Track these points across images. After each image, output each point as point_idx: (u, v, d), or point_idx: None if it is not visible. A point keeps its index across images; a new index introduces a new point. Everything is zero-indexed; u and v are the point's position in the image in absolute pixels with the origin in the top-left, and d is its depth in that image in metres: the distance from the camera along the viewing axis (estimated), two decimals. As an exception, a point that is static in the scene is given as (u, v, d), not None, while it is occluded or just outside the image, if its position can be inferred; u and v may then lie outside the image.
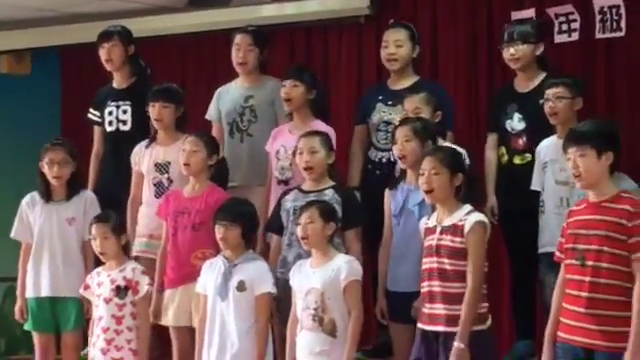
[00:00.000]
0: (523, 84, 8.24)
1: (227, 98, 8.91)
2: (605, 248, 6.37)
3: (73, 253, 8.45)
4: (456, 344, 6.77)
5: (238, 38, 8.88)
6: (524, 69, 8.27)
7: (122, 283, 7.96)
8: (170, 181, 8.55)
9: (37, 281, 8.46)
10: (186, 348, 7.92)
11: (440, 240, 6.94)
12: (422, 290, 7.02)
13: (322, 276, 7.28)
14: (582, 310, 6.40)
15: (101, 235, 7.97)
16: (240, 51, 8.84)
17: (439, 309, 6.91)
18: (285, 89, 8.36)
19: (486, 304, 6.96)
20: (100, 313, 7.96)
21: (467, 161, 7.42)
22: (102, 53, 9.14)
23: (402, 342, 7.62)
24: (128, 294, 7.95)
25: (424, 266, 7.00)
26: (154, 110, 8.58)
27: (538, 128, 7.93)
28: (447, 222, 6.95)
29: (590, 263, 6.39)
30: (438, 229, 6.96)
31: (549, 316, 6.65)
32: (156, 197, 8.54)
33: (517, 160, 8.20)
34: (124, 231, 8.12)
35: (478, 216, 6.95)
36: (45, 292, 8.43)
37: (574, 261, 6.45)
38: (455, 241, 6.89)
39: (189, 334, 7.86)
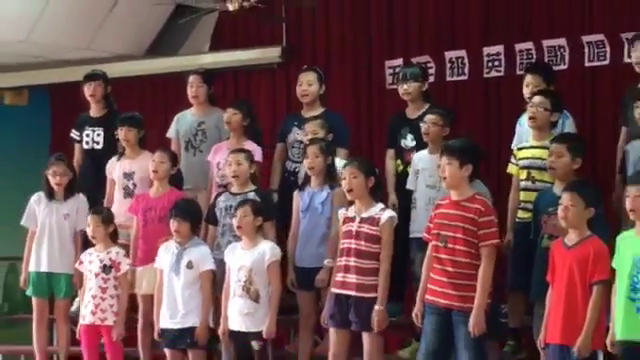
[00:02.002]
0: (412, 112, 8.06)
1: (183, 122, 8.75)
2: (461, 236, 6.42)
3: (66, 240, 8.34)
4: (377, 307, 6.79)
5: (191, 78, 8.72)
6: (413, 101, 8.10)
7: (108, 262, 7.87)
8: (134, 185, 8.45)
9: (38, 259, 8.35)
10: (150, 310, 7.81)
11: (360, 227, 6.89)
12: (338, 263, 6.99)
13: (250, 257, 7.24)
14: (445, 280, 6.45)
15: (94, 223, 7.89)
16: (193, 87, 8.67)
17: (352, 279, 6.88)
18: (227, 115, 8.27)
19: None
20: (90, 284, 7.89)
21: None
22: (87, 89, 8.96)
23: (305, 304, 7.67)
24: (112, 271, 7.86)
25: (342, 245, 6.98)
26: (122, 132, 8.46)
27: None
28: (365, 214, 6.90)
29: (451, 246, 6.45)
30: (357, 219, 6.91)
31: (419, 284, 6.68)
32: (124, 198, 8.47)
33: (409, 169, 8.00)
34: (112, 222, 7.99)
35: (390, 212, 6.97)
36: (44, 268, 8.33)
37: (439, 243, 6.50)
38: (372, 229, 6.86)
39: (152, 300, 7.77)
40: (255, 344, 7.20)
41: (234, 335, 7.32)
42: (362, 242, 6.86)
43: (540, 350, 6.35)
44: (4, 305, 11.70)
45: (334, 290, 6.97)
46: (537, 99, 7.28)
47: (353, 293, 6.84)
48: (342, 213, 7.05)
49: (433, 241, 6.58)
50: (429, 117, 7.67)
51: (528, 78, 7.73)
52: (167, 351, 7.56)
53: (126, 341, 8.35)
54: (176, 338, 7.47)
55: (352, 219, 6.93)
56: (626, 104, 7.21)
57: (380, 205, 6.96)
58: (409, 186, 7.77)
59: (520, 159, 7.37)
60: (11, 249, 9.13)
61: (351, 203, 7.02)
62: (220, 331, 7.37)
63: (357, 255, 6.87)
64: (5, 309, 11.58)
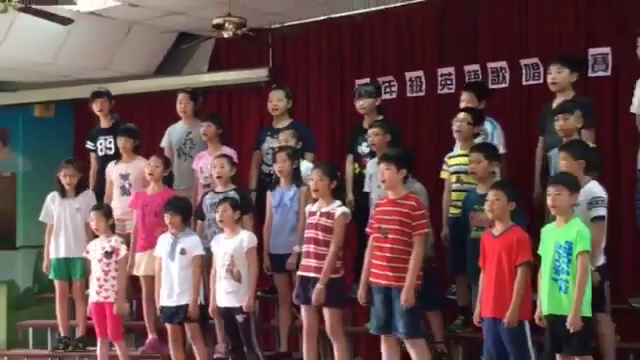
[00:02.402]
0: (368, 123, 8.15)
1: (174, 133, 8.93)
2: (399, 227, 6.77)
3: (79, 230, 8.60)
4: (317, 285, 7.08)
5: (180, 96, 8.94)
6: (369, 114, 8.29)
7: (109, 249, 8.04)
8: (130, 185, 8.62)
9: (57, 247, 8.62)
10: (151, 289, 8.07)
11: (319, 220, 7.16)
12: (303, 250, 7.26)
13: (232, 244, 7.47)
14: (385, 264, 6.81)
15: (97, 218, 8.10)
16: (181, 104, 8.89)
17: (312, 262, 7.18)
18: (203, 128, 8.48)
19: (341, 261, 7.19)
20: (95, 269, 8.11)
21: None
22: (96, 105, 9.13)
23: (281, 284, 8.02)
24: (112, 256, 8.03)
25: (306, 235, 7.23)
26: (120, 141, 8.68)
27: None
28: (324, 209, 7.17)
29: (390, 236, 6.78)
30: (318, 213, 7.18)
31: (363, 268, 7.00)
32: (121, 195, 8.65)
33: (364, 172, 8.15)
34: (111, 215, 8.17)
35: (344, 208, 7.22)
36: (62, 254, 8.61)
37: (380, 235, 6.84)
38: (328, 222, 7.13)
39: (152, 281, 7.99)
40: (239, 317, 7.43)
41: (222, 311, 7.55)
42: (320, 232, 7.14)
43: (477, 325, 6.65)
44: (35, 286, 11.76)
45: (299, 273, 7.31)
46: (461, 115, 7.63)
47: (312, 275, 7.17)
48: (308, 209, 7.34)
49: (375, 234, 6.89)
50: (370, 131, 7.82)
51: (463, 95, 8.02)
52: (167, 325, 7.80)
53: (136, 316, 8.82)
54: (173, 314, 7.70)
55: (314, 213, 7.22)
56: (543, 117, 7.52)
57: (338, 202, 7.20)
58: (366, 189, 7.98)
59: (450, 166, 7.71)
60: (39, 239, 9.01)
61: (315, 200, 7.28)
62: (210, 309, 7.60)
63: (316, 243, 7.16)
64: (36, 290, 11.66)
